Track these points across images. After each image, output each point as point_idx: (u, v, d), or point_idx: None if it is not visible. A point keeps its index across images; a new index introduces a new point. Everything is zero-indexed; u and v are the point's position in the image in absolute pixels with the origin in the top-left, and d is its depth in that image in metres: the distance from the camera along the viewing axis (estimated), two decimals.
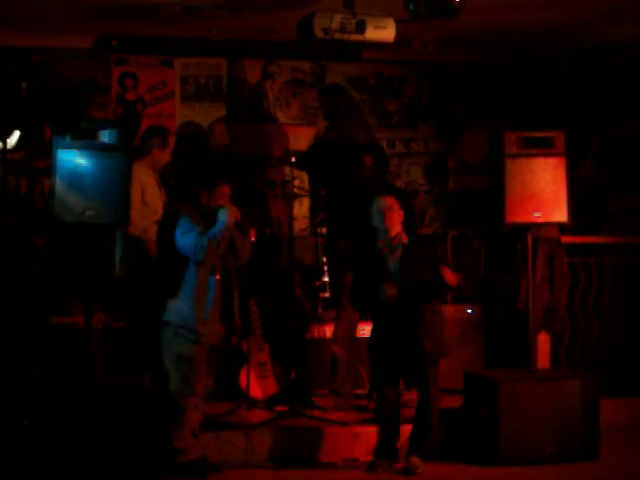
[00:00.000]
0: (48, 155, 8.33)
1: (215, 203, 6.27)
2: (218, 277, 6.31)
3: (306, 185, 8.72)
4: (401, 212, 6.58)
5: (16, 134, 7.64)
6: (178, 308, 6.20)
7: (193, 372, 6.19)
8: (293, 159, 7.91)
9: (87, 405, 6.15)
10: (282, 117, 9.52)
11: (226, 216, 6.20)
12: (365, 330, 7.12)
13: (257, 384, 7.38)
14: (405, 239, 6.56)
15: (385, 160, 8.21)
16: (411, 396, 6.76)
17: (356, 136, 7.79)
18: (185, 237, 6.14)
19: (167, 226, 6.35)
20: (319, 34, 6.61)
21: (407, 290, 6.35)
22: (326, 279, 8.27)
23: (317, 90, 8.89)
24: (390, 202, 6.55)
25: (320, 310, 8.21)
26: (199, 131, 9.02)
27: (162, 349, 6.26)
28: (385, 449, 6.54)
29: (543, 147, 7.07)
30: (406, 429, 6.52)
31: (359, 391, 7.42)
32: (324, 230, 8.37)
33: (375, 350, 6.63)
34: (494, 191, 7.29)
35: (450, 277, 6.33)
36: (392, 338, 6.45)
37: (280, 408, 7.20)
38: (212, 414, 6.75)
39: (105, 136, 6.18)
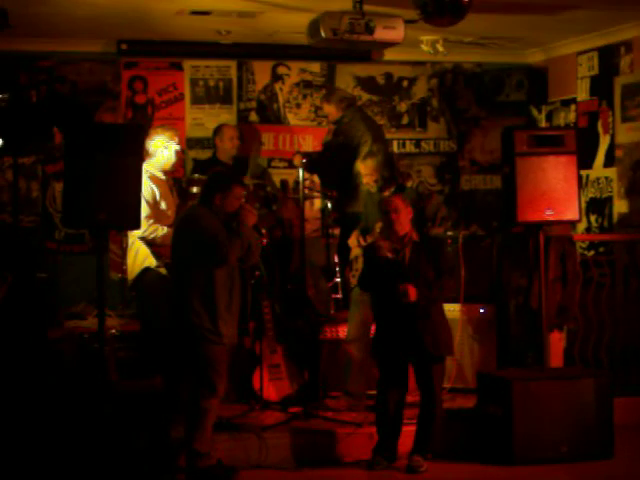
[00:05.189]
0: (59, 160, 8.46)
1: (229, 205, 6.26)
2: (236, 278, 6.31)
3: (317, 186, 8.70)
4: (409, 210, 6.58)
5: None
6: (200, 310, 6.16)
7: (216, 373, 6.18)
8: (304, 160, 7.87)
9: (100, 409, 6.16)
10: (292, 119, 9.51)
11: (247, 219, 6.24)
12: None
13: (271, 386, 7.38)
14: (415, 237, 6.57)
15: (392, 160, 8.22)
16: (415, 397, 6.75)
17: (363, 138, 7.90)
18: (212, 240, 6.10)
19: (183, 229, 6.34)
20: (328, 35, 6.60)
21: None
22: (338, 280, 8.27)
23: (325, 96, 8.83)
24: (395, 203, 6.56)
25: (333, 311, 8.20)
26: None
27: (185, 351, 6.24)
28: (383, 449, 6.54)
29: (554, 145, 7.04)
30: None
31: (372, 391, 7.40)
32: (336, 231, 8.37)
33: (378, 348, 6.65)
34: (506, 190, 7.27)
35: (411, 292, 6.34)
36: (395, 336, 6.47)
37: (294, 409, 7.19)
38: (225, 416, 6.74)
39: (115, 140, 6.19)
